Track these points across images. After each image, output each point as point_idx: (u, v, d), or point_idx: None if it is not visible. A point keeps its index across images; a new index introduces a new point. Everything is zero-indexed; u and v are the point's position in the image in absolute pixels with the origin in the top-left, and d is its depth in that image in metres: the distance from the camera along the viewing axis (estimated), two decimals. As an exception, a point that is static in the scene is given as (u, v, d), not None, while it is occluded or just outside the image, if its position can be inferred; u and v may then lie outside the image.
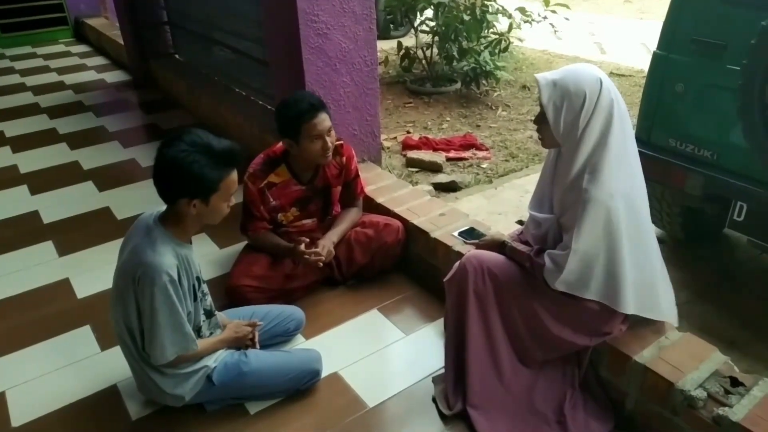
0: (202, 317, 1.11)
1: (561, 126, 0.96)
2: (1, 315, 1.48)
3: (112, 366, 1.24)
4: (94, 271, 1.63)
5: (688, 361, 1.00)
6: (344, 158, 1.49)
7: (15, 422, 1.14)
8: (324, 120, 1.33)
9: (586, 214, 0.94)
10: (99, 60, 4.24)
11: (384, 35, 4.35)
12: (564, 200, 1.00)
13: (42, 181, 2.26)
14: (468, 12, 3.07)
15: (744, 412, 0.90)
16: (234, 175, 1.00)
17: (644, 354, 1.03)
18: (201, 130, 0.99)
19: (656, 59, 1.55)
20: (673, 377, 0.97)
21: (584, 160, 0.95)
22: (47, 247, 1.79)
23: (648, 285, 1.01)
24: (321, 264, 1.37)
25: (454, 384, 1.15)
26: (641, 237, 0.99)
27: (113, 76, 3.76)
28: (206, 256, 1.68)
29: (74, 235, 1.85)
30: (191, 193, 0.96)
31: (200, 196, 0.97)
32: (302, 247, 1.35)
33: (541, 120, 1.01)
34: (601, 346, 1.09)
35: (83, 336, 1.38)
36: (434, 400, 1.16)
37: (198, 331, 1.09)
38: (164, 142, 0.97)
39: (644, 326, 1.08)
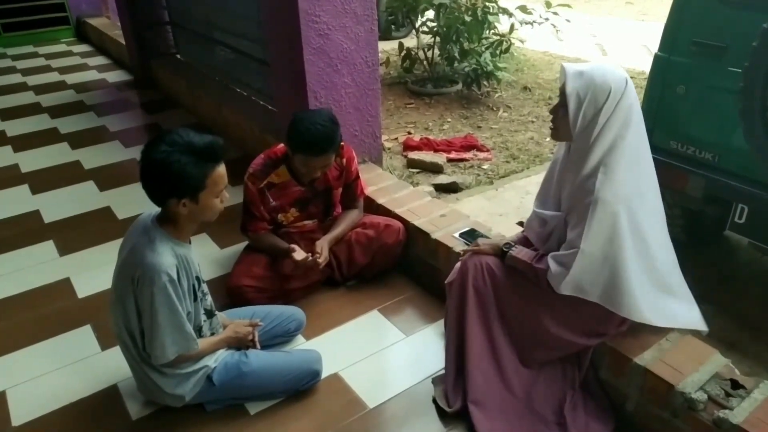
0: (203, 317, 1.11)
1: (580, 118, 0.94)
2: (2, 314, 1.49)
3: (113, 366, 1.24)
4: (94, 271, 1.63)
5: (689, 364, 1.00)
6: (344, 160, 1.49)
7: (15, 421, 1.14)
8: (323, 160, 1.32)
9: (595, 214, 0.93)
10: (100, 60, 4.25)
11: (385, 36, 4.35)
12: (573, 198, 0.99)
13: (43, 181, 2.26)
14: (469, 13, 3.07)
15: (744, 415, 0.90)
16: (220, 169, 0.98)
17: (644, 356, 1.03)
18: (183, 128, 0.98)
19: (657, 61, 1.55)
20: (673, 379, 0.97)
21: (599, 158, 0.94)
22: (48, 246, 1.80)
23: (656, 291, 0.99)
24: (321, 265, 1.37)
25: (454, 383, 1.15)
26: (650, 242, 0.97)
27: (114, 76, 3.77)
28: (207, 256, 1.68)
29: (75, 234, 1.85)
30: (178, 193, 0.96)
31: (188, 195, 0.96)
32: (295, 255, 1.34)
33: (558, 110, 0.99)
34: (602, 347, 1.08)
35: (84, 335, 1.39)
36: (434, 401, 1.16)
37: (199, 331, 1.09)
38: (147, 144, 0.96)
39: (645, 328, 1.08)
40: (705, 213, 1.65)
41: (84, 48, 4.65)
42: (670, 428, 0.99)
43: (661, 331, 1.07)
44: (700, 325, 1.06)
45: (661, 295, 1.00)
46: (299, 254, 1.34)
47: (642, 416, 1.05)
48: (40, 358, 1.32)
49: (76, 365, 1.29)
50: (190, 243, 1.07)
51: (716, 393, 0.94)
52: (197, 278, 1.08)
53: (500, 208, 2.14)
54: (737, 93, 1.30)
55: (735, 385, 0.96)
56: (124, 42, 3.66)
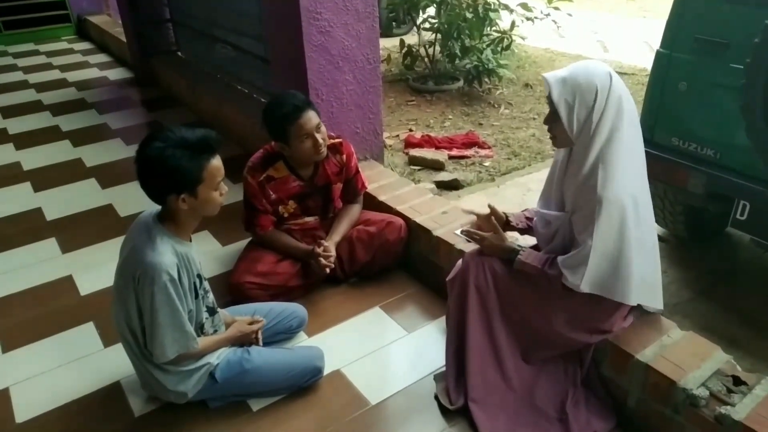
0: (205, 314, 1.11)
1: (575, 123, 0.95)
2: (5, 312, 1.49)
3: (115, 363, 1.24)
4: (97, 268, 1.63)
5: (690, 360, 0.99)
6: (344, 156, 1.49)
7: (19, 418, 1.15)
8: (310, 119, 1.32)
9: (602, 212, 0.93)
10: (101, 57, 4.23)
11: (386, 33, 4.33)
12: (577, 198, 0.99)
13: (45, 179, 2.26)
14: (470, 10, 3.06)
15: (746, 411, 0.89)
16: (216, 161, 0.98)
17: (646, 352, 1.03)
18: (176, 126, 0.98)
19: (659, 58, 1.54)
20: (675, 376, 0.96)
21: (596, 154, 0.94)
22: (50, 244, 1.80)
23: (649, 278, 1.01)
24: (328, 270, 1.39)
25: (455, 380, 1.15)
26: (646, 232, 0.98)
27: (115, 74, 3.76)
28: (208, 253, 1.68)
29: (77, 232, 1.85)
30: (176, 188, 0.95)
31: (186, 190, 0.96)
32: (321, 249, 1.37)
33: (551, 119, 0.99)
34: (603, 344, 1.08)
35: (86, 333, 1.39)
36: (436, 397, 1.16)
37: (201, 328, 1.09)
38: (141, 143, 0.96)
39: (646, 324, 1.08)
40: (707, 209, 1.63)
41: (85, 46, 4.64)
42: (672, 424, 0.99)
43: (662, 328, 1.07)
44: (660, 305, 1.07)
45: (646, 278, 1.01)
46: (324, 248, 1.38)
47: (643, 412, 1.05)
48: (42, 355, 1.32)
49: (78, 362, 1.29)
50: (191, 241, 1.07)
51: (718, 389, 0.94)
52: (199, 276, 1.07)
53: (502, 206, 2.08)
54: (739, 89, 1.29)
55: (737, 381, 0.95)
56: (125, 39, 3.64)
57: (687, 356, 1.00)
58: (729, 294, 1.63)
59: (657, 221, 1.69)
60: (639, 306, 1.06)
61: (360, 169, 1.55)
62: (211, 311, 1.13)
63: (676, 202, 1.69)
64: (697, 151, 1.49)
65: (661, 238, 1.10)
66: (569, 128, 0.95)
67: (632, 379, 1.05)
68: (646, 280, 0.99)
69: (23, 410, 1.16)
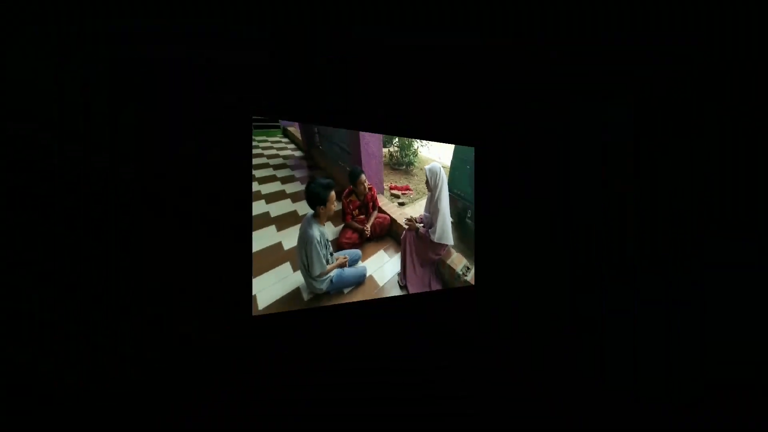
0: (330, 255, 0.77)
1: (432, 185, 0.95)
2: (254, 260, 0.97)
3: (298, 280, 0.84)
4: (292, 238, 1.05)
5: (458, 262, 0.87)
6: (373, 194, 1.04)
7: (260, 306, 0.78)
8: (363, 177, 0.92)
9: (439, 215, 0.80)
10: (292, 146, 2.72)
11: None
12: (432, 210, 0.80)
13: (266, 197, 1.49)
14: (407, 140, 2.11)
15: (470, 278, 0.78)
16: (333, 193, 0.68)
17: (450, 260, 0.87)
18: (319, 178, 0.55)
19: (452, 164, 1.18)
20: (454, 267, 0.85)
21: (437, 195, 0.94)
22: (272, 228, 1.17)
23: (451, 235, 0.81)
24: (368, 234, 1.00)
25: (403, 276, 0.95)
26: (450, 220, 0.77)
27: (297, 154, 2.40)
28: (329, 230, 1.14)
29: (283, 222, 1.21)
30: (319, 203, 0.62)
31: (322, 204, 0.64)
32: (365, 228, 1.00)
33: (426, 183, 0.73)
34: (440, 259, 0.89)
35: (286, 267, 0.93)
36: (398, 282, 0.93)
37: (327, 261, 0.77)
38: (307, 184, 0.57)
39: (449, 253, 0.89)
40: (464, 213, 1.37)
41: (285, 140, 2.96)
42: (454, 284, 0.87)
43: (451, 253, 0.89)
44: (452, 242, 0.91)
45: (451, 235, 0.83)
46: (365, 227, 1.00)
47: (444, 281, 0.91)
48: (268, 279, 0.88)
49: (283, 280, 0.87)
50: (324, 225, 0.70)
51: (464, 271, 0.83)
52: (327, 240, 0.73)
53: (416, 212, 1.62)
54: (470, 175, 0.99)
55: (468, 268, 0.82)
56: (301, 138, 2.33)
57: (457, 261, 0.85)
58: (470, 240, 1.41)
59: (451, 216, 1.41)
60: (447, 245, 0.86)
61: (377, 198, 1.05)
62: (332, 255, 0.78)
63: (456, 211, 1.40)
64: (460, 194, 1.21)
65: (452, 222, 0.99)
66: (431, 186, 0.94)
67: (446, 271, 0.89)
68: (451, 235, 0.78)
69: (261, 303, 0.79)
